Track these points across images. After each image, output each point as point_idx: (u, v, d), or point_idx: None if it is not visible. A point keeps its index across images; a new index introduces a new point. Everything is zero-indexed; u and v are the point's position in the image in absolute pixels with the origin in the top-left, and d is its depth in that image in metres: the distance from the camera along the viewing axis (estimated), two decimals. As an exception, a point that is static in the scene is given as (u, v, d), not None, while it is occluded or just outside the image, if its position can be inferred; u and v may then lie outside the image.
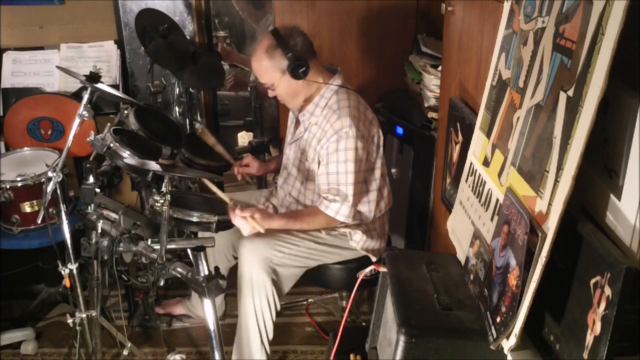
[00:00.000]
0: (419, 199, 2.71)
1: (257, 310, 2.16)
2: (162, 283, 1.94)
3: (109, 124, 2.04)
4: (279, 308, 2.22)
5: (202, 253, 1.94)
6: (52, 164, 2.42)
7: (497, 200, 1.47)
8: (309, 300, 2.90)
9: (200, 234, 2.32)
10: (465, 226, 1.71)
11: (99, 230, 1.96)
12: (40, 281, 2.80)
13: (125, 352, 2.27)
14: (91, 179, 1.99)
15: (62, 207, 2.12)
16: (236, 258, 2.26)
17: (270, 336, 2.24)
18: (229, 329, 2.51)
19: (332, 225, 2.23)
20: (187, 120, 3.09)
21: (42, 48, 3.03)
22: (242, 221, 2.05)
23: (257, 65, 2.17)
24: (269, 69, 2.15)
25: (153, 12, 2.85)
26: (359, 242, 2.28)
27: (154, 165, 1.90)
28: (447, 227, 1.91)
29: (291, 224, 2.18)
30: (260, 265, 2.12)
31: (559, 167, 1.15)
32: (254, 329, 2.19)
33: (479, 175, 1.63)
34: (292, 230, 2.20)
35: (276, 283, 2.17)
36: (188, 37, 2.98)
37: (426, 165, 2.58)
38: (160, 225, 1.85)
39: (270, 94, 2.24)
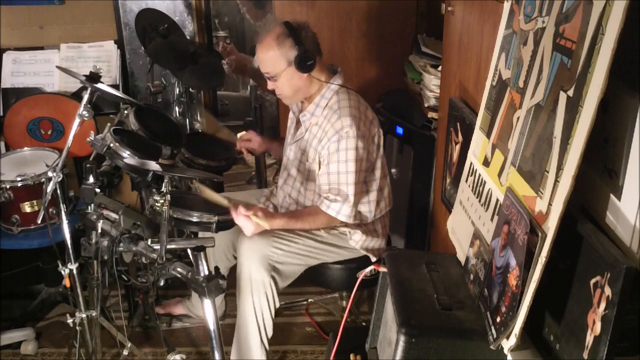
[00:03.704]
0: (419, 199, 2.71)
1: (257, 307, 2.16)
2: (162, 283, 1.93)
3: (109, 124, 2.04)
4: (277, 305, 2.21)
5: (202, 253, 1.94)
6: (52, 164, 2.42)
7: (497, 200, 1.47)
8: (309, 300, 2.90)
9: (200, 234, 2.32)
10: (465, 226, 1.71)
11: (99, 230, 1.96)
12: (40, 281, 2.80)
13: (125, 352, 2.27)
14: (91, 179, 1.99)
15: (62, 207, 2.12)
16: (236, 258, 2.26)
17: (270, 334, 2.23)
18: (229, 329, 2.50)
19: (332, 225, 2.23)
20: (187, 120, 3.09)
21: (42, 48, 3.03)
22: (245, 220, 2.03)
23: (263, 52, 2.13)
24: (275, 58, 2.11)
25: (153, 12, 2.85)
26: (358, 241, 2.28)
27: (154, 165, 1.90)
28: (447, 227, 1.91)
29: (292, 223, 2.17)
30: (260, 262, 2.12)
31: (559, 167, 1.15)
32: (253, 327, 2.18)
33: (479, 175, 1.63)
34: (293, 230, 2.20)
35: (275, 280, 2.17)
36: (188, 37, 2.98)
37: (426, 165, 2.58)
38: (160, 225, 1.85)
39: (270, 85, 2.20)
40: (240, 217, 2.03)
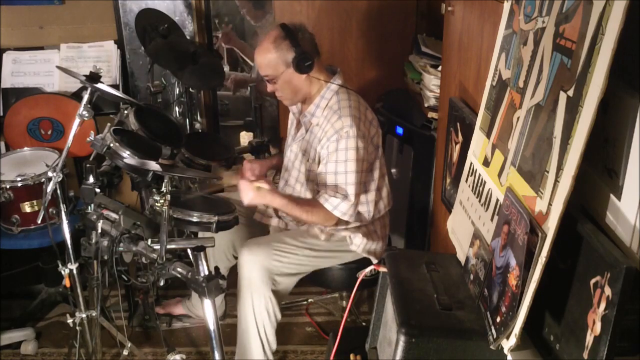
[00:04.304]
0: (419, 199, 2.71)
1: (258, 320, 2.16)
2: (162, 283, 1.94)
3: (109, 124, 2.04)
4: (279, 318, 2.21)
5: (202, 253, 1.94)
6: (52, 164, 2.42)
7: (497, 200, 1.47)
8: (309, 300, 2.90)
9: (200, 234, 2.32)
10: (465, 226, 1.71)
11: (99, 230, 1.96)
12: (40, 281, 2.80)
13: (125, 352, 2.27)
14: (91, 179, 1.99)
15: (62, 207, 2.12)
16: (236, 258, 2.25)
17: (274, 347, 2.23)
18: (229, 329, 2.51)
19: (328, 223, 2.19)
20: (187, 120, 3.09)
21: (42, 48, 3.03)
22: (247, 185, 2.03)
23: (261, 55, 2.14)
24: (273, 60, 2.12)
25: (153, 12, 2.85)
26: (359, 245, 2.27)
27: (154, 165, 1.90)
28: (447, 227, 1.91)
29: (291, 207, 2.12)
30: (260, 274, 2.12)
31: (559, 167, 1.15)
32: (255, 337, 2.18)
33: (479, 175, 1.63)
34: (290, 215, 2.19)
35: (276, 292, 2.17)
36: (188, 37, 2.98)
37: (426, 165, 2.58)
38: (160, 225, 1.85)
39: (269, 88, 2.21)
40: (243, 182, 2.04)
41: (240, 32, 4.71)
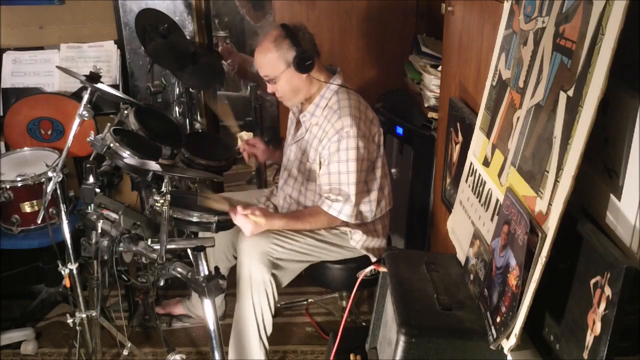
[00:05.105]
0: (419, 199, 2.71)
1: (256, 306, 2.16)
2: (162, 283, 1.94)
3: (109, 124, 2.04)
4: (277, 302, 2.21)
5: (202, 253, 1.94)
6: (52, 164, 2.42)
7: (497, 200, 1.47)
8: (309, 300, 2.90)
9: (200, 234, 2.32)
10: (465, 226, 1.71)
11: (99, 230, 1.96)
12: (40, 281, 2.81)
13: (125, 352, 2.27)
14: (91, 179, 1.99)
15: (62, 207, 2.12)
16: (236, 258, 2.25)
17: (269, 331, 2.22)
18: (229, 329, 2.50)
19: (333, 225, 2.23)
20: (187, 120, 3.09)
21: (42, 48, 3.03)
22: (243, 219, 2.04)
23: (261, 55, 2.14)
24: (273, 60, 2.12)
25: (153, 12, 2.85)
26: (358, 241, 2.28)
27: (154, 165, 1.90)
28: (447, 227, 1.91)
29: (292, 224, 2.18)
30: (260, 258, 2.11)
31: (559, 167, 1.15)
32: (252, 326, 2.18)
33: (479, 175, 1.63)
34: (294, 230, 2.20)
35: (275, 276, 2.16)
36: (188, 37, 2.98)
37: (426, 165, 2.58)
38: (160, 225, 1.85)
39: (270, 88, 2.21)
40: (239, 217, 2.04)
41: (240, 32, 4.72)
